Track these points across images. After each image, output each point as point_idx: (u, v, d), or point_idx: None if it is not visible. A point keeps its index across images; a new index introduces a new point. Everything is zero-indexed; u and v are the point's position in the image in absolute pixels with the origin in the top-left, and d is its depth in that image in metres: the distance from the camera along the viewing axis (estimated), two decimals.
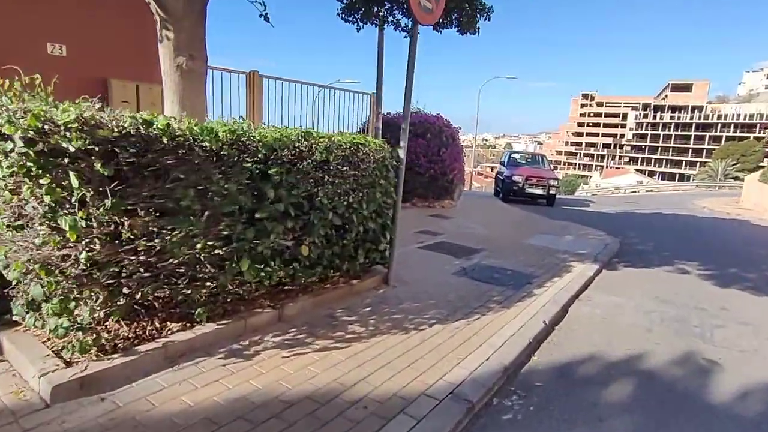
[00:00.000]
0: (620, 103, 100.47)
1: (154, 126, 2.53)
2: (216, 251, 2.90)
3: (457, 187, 13.55)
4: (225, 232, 2.94)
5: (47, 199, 2.37)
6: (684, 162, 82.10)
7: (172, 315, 3.14)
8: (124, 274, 2.67)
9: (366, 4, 7.33)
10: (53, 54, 5.47)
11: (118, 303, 2.73)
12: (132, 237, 2.58)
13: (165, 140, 2.55)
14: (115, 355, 2.71)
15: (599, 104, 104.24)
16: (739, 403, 3.22)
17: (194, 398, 2.58)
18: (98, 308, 2.64)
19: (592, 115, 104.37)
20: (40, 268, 2.46)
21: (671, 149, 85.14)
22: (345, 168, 3.74)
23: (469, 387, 2.98)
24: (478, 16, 7.25)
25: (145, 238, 2.62)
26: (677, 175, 77.12)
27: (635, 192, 36.19)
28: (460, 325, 3.94)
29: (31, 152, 2.32)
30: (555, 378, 3.38)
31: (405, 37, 8.31)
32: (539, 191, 15.25)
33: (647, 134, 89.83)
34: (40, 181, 2.36)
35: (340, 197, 3.73)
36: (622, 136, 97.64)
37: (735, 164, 53.11)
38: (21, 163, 2.34)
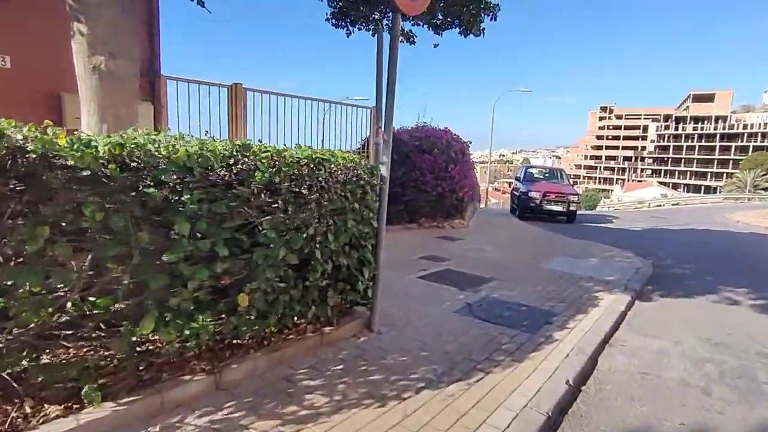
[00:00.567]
0: (640, 115, 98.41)
1: None
2: (97, 311, 2.09)
3: (469, 205, 12.63)
4: (115, 286, 2.13)
5: None
6: (709, 174, 79.59)
7: (58, 392, 2.32)
8: None
9: (356, 8, 6.60)
10: None
11: None
12: None
13: None
14: None
15: (618, 117, 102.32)
16: None
17: None
18: None
19: (611, 127, 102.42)
20: None
21: (695, 161, 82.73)
22: (302, 191, 2.91)
23: None
24: (483, 15, 6.44)
25: None
26: (702, 187, 74.77)
27: (660, 206, 34.62)
28: (455, 391, 3.02)
29: None
30: None
31: (409, 44, 7.58)
32: (558, 208, 14.23)
33: (669, 146, 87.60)
34: None
35: (296, 228, 2.90)
36: (643, 148, 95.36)
37: (764, 174, 50.85)
38: None
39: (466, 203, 11.64)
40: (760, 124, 76.27)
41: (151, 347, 2.70)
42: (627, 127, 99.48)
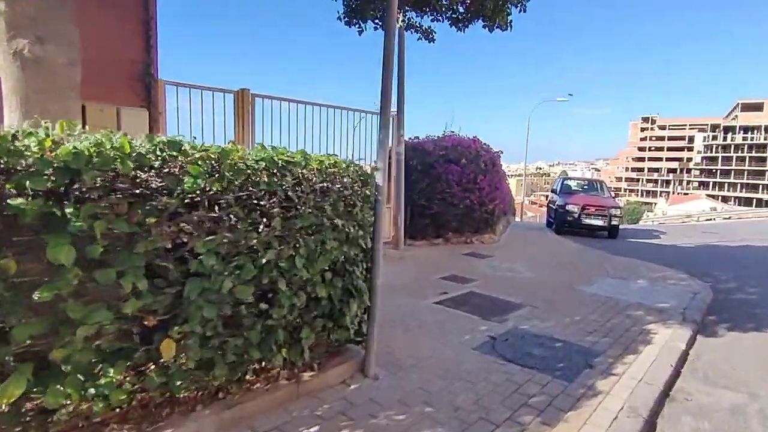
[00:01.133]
0: (685, 125, 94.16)
1: None
2: None
3: (500, 219, 11.76)
4: None
5: None
6: (761, 185, 75.00)
7: None
8: None
9: (368, 5, 5.99)
10: None
11: None
12: None
13: None
14: None
15: (661, 127, 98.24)
16: None
17: None
18: None
19: (653, 138, 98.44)
20: None
21: (746, 172, 78.21)
22: (261, 202, 2.24)
23: None
24: (509, 5, 5.69)
25: None
26: (754, 200, 70.44)
27: (710, 220, 32.34)
28: None
29: None
30: None
31: (428, 41, 6.90)
32: (599, 222, 13.10)
33: (718, 157, 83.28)
34: None
35: (249, 251, 2.22)
36: (689, 159, 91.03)
37: None
38: None
39: (497, 217, 10.79)
40: None
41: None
42: (671, 138, 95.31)
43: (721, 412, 3.13)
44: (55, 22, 2.58)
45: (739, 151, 79.89)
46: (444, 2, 5.32)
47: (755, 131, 78.13)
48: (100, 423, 2.11)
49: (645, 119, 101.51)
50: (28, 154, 1.57)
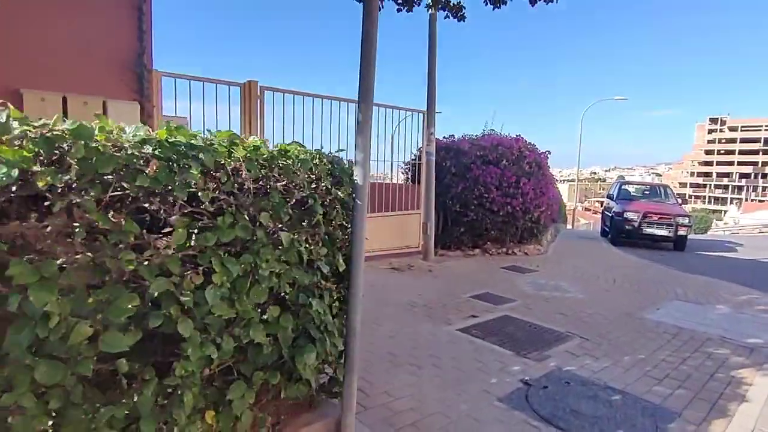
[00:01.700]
0: (760, 126, 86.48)
1: None
2: None
3: (547, 227, 10.58)
4: None
5: None
6: None
7: None
8: None
9: None
10: None
11: None
12: None
13: None
14: None
15: (732, 129, 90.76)
16: None
17: None
18: None
19: (723, 141, 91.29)
20: None
21: None
22: (147, 205, 1.46)
23: None
24: None
25: None
26: None
27: None
28: None
29: None
30: None
31: (457, 20, 5.97)
32: (663, 232, 11.55)
33: None
34: None
35: (125, 280, 1.44)
36: (765, 163, 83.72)
37: None
38: None
39: (543, 225, 9.67)
40: None
41: None
42: (743, 140, 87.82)
43: None
44: None
45: None
46: None
47: None
48: None
49: (713, 120, 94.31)
50: None
